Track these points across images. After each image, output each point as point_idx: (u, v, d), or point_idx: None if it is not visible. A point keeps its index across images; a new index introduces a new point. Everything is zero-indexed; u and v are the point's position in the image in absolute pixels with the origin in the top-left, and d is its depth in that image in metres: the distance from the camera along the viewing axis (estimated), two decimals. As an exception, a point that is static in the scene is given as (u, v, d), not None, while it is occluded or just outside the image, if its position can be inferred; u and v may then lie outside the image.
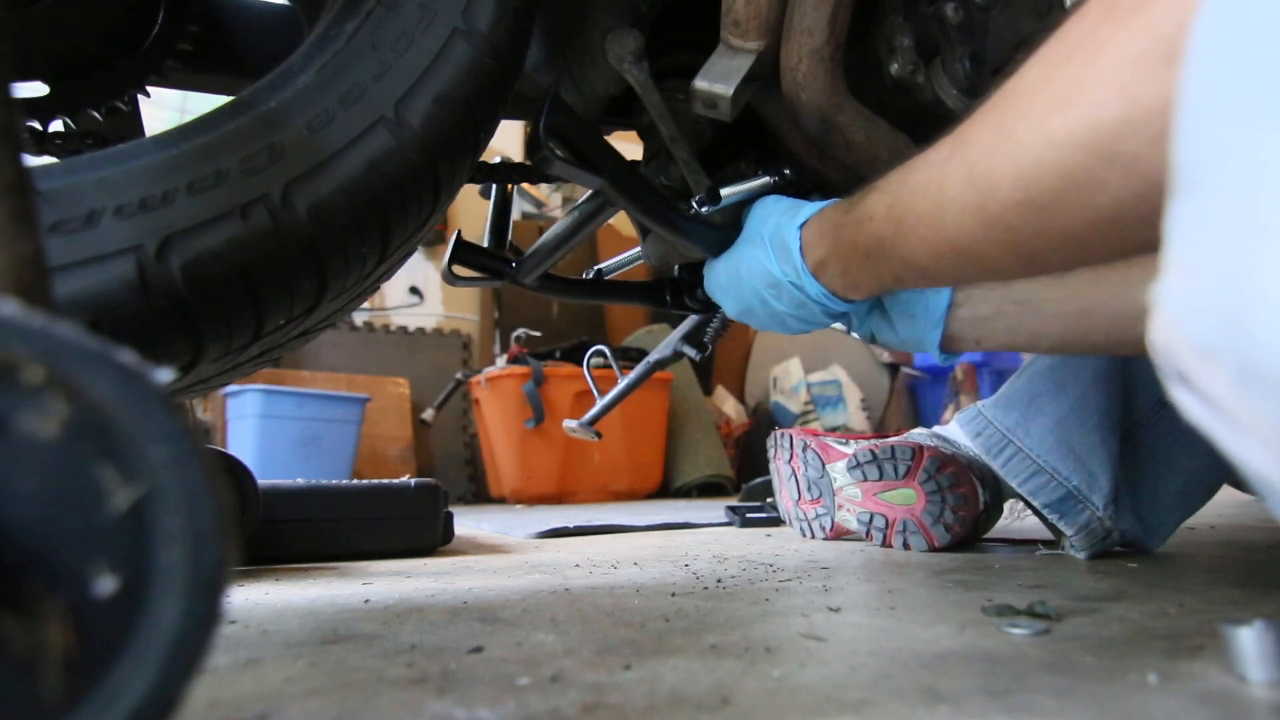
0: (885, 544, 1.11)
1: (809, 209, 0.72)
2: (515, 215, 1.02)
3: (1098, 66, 0.39)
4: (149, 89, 0.84)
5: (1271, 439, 0.27)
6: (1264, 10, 0.26)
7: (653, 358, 1.04)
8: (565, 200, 4.06)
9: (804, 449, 1.24)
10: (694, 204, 0.80)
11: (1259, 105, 0.26)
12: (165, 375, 0.27)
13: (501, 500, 3.20)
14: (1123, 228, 0.42)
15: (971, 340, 0.80)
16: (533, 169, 0.91)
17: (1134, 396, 0.97)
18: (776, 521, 1.49)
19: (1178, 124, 0.30)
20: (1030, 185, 0.45)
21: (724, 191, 0.80)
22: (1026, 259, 0.50)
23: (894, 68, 0.79)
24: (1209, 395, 0.29)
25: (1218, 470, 0.98)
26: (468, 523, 1.80)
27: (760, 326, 0.79)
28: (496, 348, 3.79)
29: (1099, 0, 0.41)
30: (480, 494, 3.52)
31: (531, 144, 0.73)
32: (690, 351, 1.01)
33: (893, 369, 4.14)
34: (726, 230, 0.81)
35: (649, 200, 0.79)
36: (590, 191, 0.87)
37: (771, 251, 0.73)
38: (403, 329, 3.69)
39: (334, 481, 1.24)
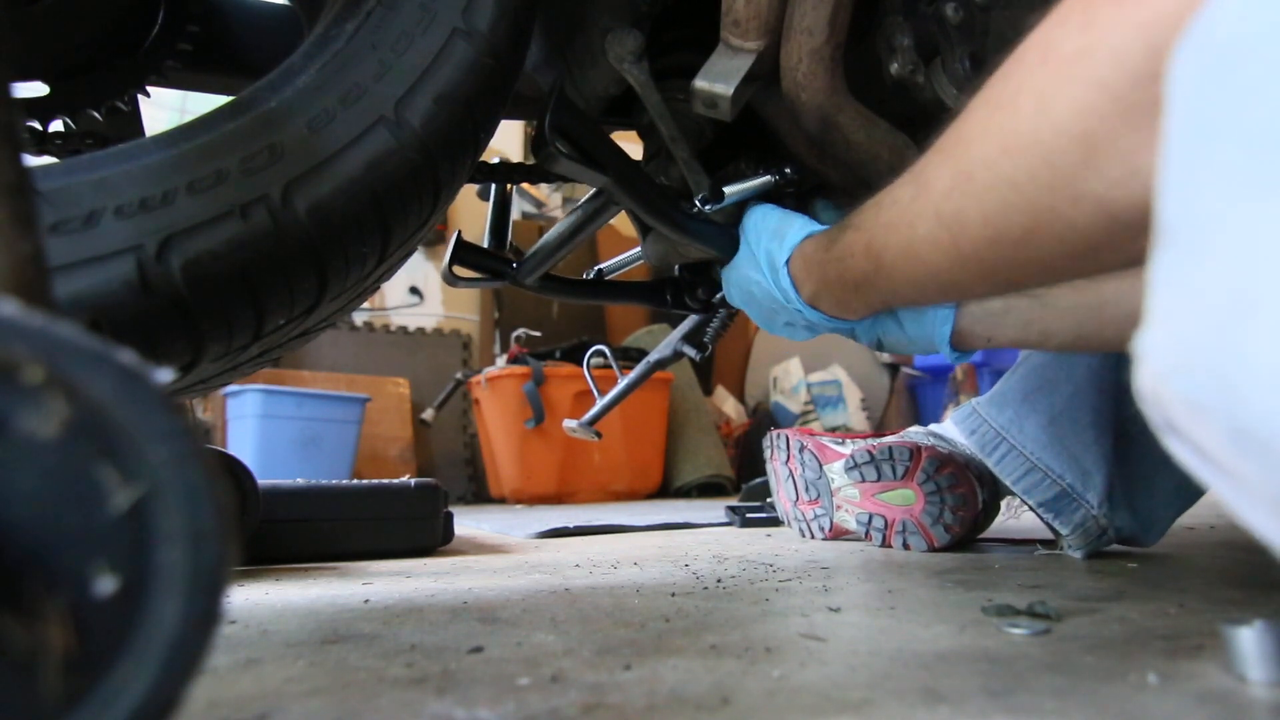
0: (885, 544, 1.11)
1: (792, 236, 0.73)
2: (515, 215, 1.02)
3: (1050, 116, 0.41)
4: (149, 89, 0.84)
5: (1266, 498, 0.27)
6: (1248, 77, 0.27)
7: (653, 358, 1.04)
8: (565, 200, 4.05)
9: (800, 450, 1.24)
10: (697, 202, 0.80)
11: (1244, 173, 0.26)
12: (165, 375, 0.27)
13: (501, 500, 3.20)
14: (1094, 255, 0.44)
15: (982, 337, 0.80)
16: (533, 169, 0.91)
17: (1127, 393, 0.97)
18: (776, 521, 1.49)
19: (1160, 182, 0.30)
20: (1000, 225, 0.46)
21: (727, 190, 0.81)
22: (1004, 284, 0.53)
23: (894, 68, 0.79)
24: (1201, 448, 0.29)
25: None
26: (468, 523, 1.80)
27: (791, 337, 0.81)
28: (496, 348, 3.79)
29: (1034, 44, 0.42)
30: (480, 494, 3.52)
31: (537, 141, 0.73)
32: (690, 351, 1.01)
33: (893, 369, 4.14)
34: (730, 229, 0.81)
35: (654, 199, 0.79)
36: (592, 191, 0.87)
37: (769, 278, 0.75)
38: (403, 329, 3.69)
39: (334, 481, 1.24)
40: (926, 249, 0.54)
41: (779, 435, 1.30)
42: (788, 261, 0.73)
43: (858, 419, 3.83)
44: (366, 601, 0.77)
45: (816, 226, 0.73)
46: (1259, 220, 0.26)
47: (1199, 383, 0.28)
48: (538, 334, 3.24)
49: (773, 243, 0.75)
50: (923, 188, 0.53)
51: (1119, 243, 0.41)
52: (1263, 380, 0.25)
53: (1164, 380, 0.29)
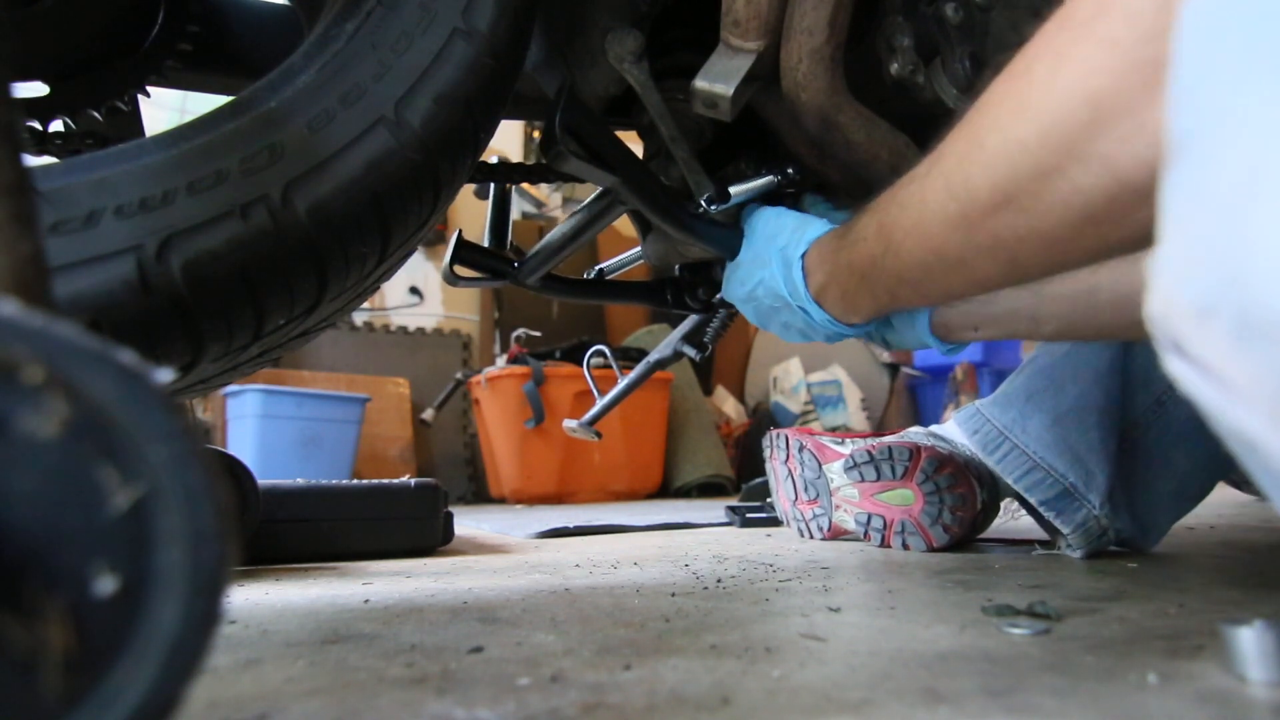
0: (884, 544, 1.11)
1: (813, 231, 0.73)
2: (515, 215, 1.02)
3: (1062, 76, 0.42)
4: (149, 89, 0.84)
5: (1267, 394, 0.27)
6: None
7: (653, 358, 1.04)
8: (565, 200, 4.06)
9: (800, 449, 1.23)
10: (703, 203, 0.80)
11: (1251, 64, 0.26)
12: (165, 375, 0.27)
13: (501, 500, 3.20)
14: (1096, 227, 0.44)
15: (968, 327, 0.80)
16: (533, 168, 0.91)
17: (1132, 396, 0.97)
18: (776, 521, 1.49)
19: (1170, 91, 0.30)
20: (1008, 188, 0.47)
21: (732, 190, 0.81)
22: (1009, 264, 0.52)
23: (894, 68, 0.79)
24: (1204, 360, 0.29)
25: (1212, 472, 0.98)
26: (468, 523, 1.80)
27: (784, 337, 0.81)
28: (496, 348, 3.79)
29: (1056, 16, 0.43)
30: (480, 494, 3.52)
31: (546, 140, 0.73)
32: (690, 351, 1.01)
33: (893, 369, 4.14)
34: (737, 229, 0.81)
35: (661, 199, 0.79)
36: (596, 193, 0.87)
37: (779, 273, 0.74)
38: (403, 329, 3.69)
39: (334, 481, 1.24)
40: (936, 223, 0.54)
41: (778, 435, 1.30)
42: (804, 254, 0.73)
43: (858, 419, 3.83)
44: (366, 601, 0.77)
45: (835, 227, 0.73)
46: (1266, 102, 0.25)
47: (1207, 281, 0.27)
48: (538, 334, 3.24)
49: (792, 237, 0.74)
50: (937, 162, 0.53)
51: (1123, 210, 0.42)
52: (1271, 262, 0.25)
53: (1173, 290, 0.29)
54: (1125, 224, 0.43)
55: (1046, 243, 0.47)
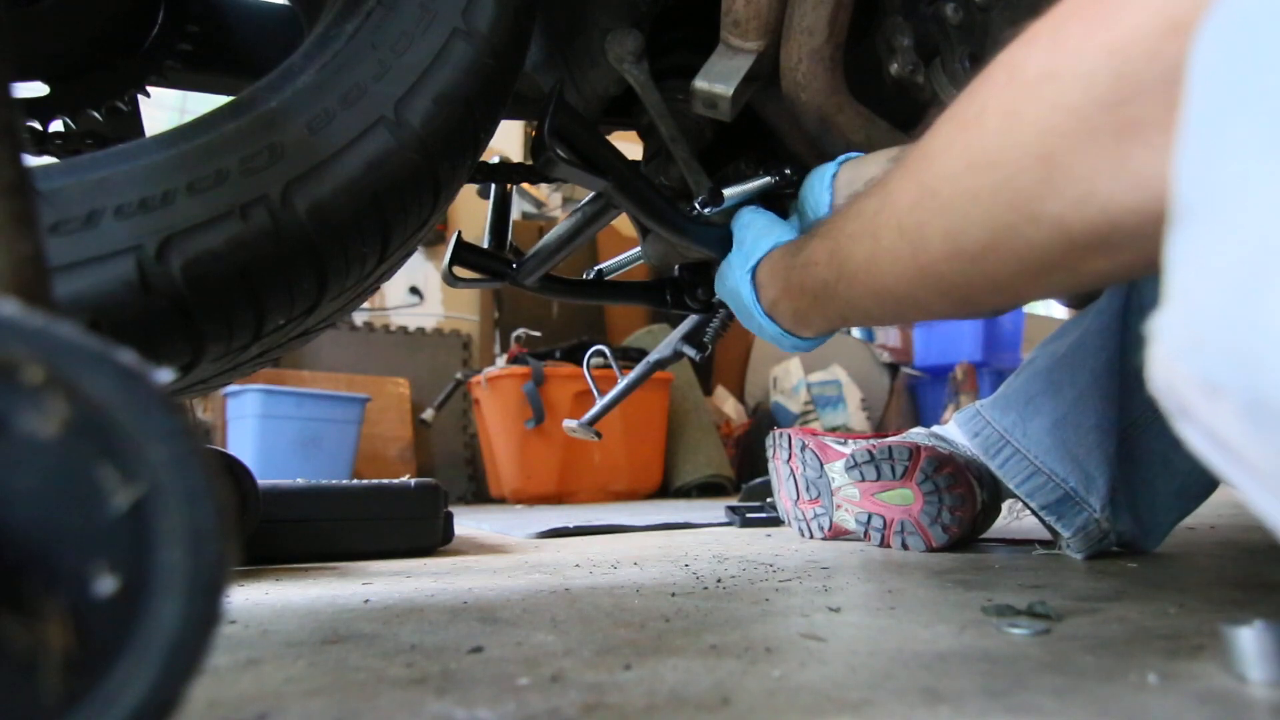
0: (883, 544, 1.11)
1: (766, 243, 0.73)
2: (515, 215, 1.02)
3: (1015, 135, 0.41)
4: (149, 89, 0.84)
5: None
6: (1270, 44, 0.26)
7: (653, 358, 1.04)
8: (565, 200, 4.06)
9: (802, 449, 1.24)
10: (696, 205, 0.80)
11: (1268, 138, 0.26)
12: (165, 375, 0.27)
13: (501, 500, 3.20)
14: (1048, 274, 0.44)
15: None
16: (532, 169, 0.91)
17: (1131, 397, 0.97)
18: (776, 521, 1.49)
19: (1178, 155, 0.29)
20: (959, 240, 0.47)
21: (726, 192, 0.81)
22: (960, 303, 0.52)
23: (894, 68, 0.79)
24: (1215, 433, 0.28)
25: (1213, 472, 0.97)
26: (468, 523, 1.80)
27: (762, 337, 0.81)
28: (496, 348, 3.79)
29: (1001, 63, 0.43)
30: (480, 494, 3.52)
31: (536, 146, 0.73)
32: (690, 351, 1.01)
33: (893, 369, 4.14)
34: (728, 232, 0.81)
35: (653, 202, 0.79)
36: (591, 195, 0.87)
37: (738, 283, 0.74)
38: (403, 329, 3.69)
39: (334, 481, 1.24)
40: (887, 261, 0.54)
41: (781, 434, 1.30)
42: (755, 268, 0.72)
43: (858, 419, 3.84)
44: (366, 601, 0.77)
45: (788, 242, 0.72)
46: None
47: (1215, 360, 0.26)
48: (538, 334, 3.24)
49: (751, 247, 0.74)
50: (887, 201, 0.53)
51: (1073, 263, 0.42)
52: None
53: (1178, 360, 0.28)
54: (1079, 272, 0.43)
55: (998, 287, 0.48)
